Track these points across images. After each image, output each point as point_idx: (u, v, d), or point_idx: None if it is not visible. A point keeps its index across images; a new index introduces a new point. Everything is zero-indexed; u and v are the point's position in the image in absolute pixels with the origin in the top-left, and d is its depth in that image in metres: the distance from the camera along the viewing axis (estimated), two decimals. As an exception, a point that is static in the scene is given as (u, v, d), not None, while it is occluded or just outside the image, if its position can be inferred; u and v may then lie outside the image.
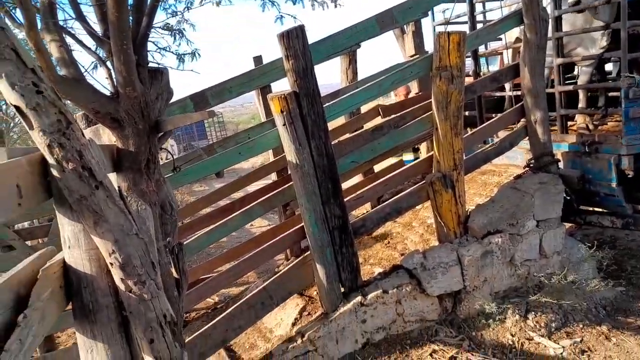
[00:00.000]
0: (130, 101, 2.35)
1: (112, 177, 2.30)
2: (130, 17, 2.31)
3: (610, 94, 5.54)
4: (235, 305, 3.60)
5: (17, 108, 1.47)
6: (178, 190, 12.67)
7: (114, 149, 2.39)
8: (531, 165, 4.66)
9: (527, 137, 4.63)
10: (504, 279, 4.12)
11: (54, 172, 1.50)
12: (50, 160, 1.48)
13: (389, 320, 3.76)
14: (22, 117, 1.48)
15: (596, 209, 4.84)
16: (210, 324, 3.47)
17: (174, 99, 2.92)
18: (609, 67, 6.79)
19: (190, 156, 4.59)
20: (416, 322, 3.84)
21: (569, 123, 5.11)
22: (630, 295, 4.24)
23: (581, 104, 5.05)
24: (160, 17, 2.88)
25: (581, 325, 3.73)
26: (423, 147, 5.55)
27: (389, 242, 4.63)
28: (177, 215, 2.75)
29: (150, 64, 2.64)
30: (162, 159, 2.70)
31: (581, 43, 4.96)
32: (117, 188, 1.61)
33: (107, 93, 2.42)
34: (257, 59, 5.56)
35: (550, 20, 4.57)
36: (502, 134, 4.95)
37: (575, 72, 6.31)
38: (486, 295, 4.01)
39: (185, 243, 3.11)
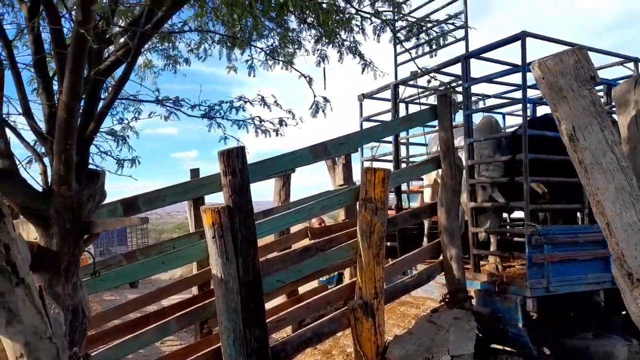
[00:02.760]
0: (63, 200, 2.32)
1: (27, 275, 2.18)
2: (79, 120, 2.38)
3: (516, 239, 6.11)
4: None
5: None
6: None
7: (34, 247, 2.29)
8: (446, 300, 4.88)
9: (443, 273, 4.92)
10: (420, 416, 4.06)
11: (-27, 264, 1.44)
12: (-27, 251, 1.43)
13: None
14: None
15: (506, 348, 5.05)
16: None
17: (104, 202, 2.90)
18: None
19: (109, 261, 4.38)
20: None
21: (481, 263, 5.51)
22: None
23: (492, 246, 5.51)
24: (107, 122, 2.99)
25: None
26: (347, 272, 5.69)
27: (307, 370, 4.49)
28: (88, 324, 2.58)
29: (90, 166, 2.67)
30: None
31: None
32: (37, 287, 1.55)
33: (39, 189, 2.39)
34: (194, 172, 5.70)
35: (464, 168, 5.15)
36: (421, 267, 5.22)
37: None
38: None
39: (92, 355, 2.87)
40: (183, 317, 3.84)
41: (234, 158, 3.62)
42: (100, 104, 2.48)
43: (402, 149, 6.94)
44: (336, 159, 6.76)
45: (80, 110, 2.36)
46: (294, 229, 5.66)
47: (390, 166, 6.40)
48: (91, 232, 2.48)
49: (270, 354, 3.66)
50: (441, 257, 4.93)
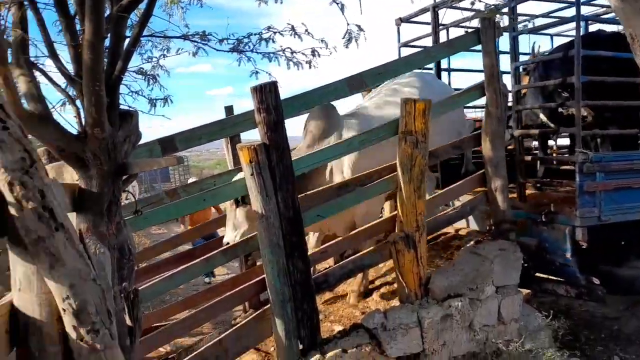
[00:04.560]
0: (98, 142, 2.31)
1: (72, 217, 2.22)
2: (105, 60, 2.32)
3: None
4: (188, 358, 3.45)
5: (-19, 143, 1.43)
6: (135, 233, 12.23)
7: (75, 189, 2.32)
8: (491, 230, 4.79)
9: (488, 203, 4.79)
10: (463, 344, 4.11)
11: (12, 211, 1.44)
12: (10, 198, 1.43)
13: (346, 381, 3.66)
14: (-14, 152, 1.44)
15: (551, 277, 4.97)
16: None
17: (141, 142, 2.90)
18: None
19: (152, 199, 4.49)
20: (374, 385, 3.75)
21: (527, 192, 5.34)
22: (584, 366, 4.30)
23: (539, 174, 5.30)
24: (135, 61, 2.91)
25: (536, 395, 3.73)
26: (387, 205, 5.64)
27: (350, 300, 4.58)
28: (135, 260, 2.66)
29: (122, 107, 2.64)
30: (122, 200, 2.64)
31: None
32: (77, 230, 1.56)
33: (74, 132, 2.39)
34: (229, 109, 5.64)
35: (510, 94, 4.87)
36: (464, 198, 5.10)
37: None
38: (444, 360, 3.98)
39: (140, 289, 2.99)
40: (228, 250, 3.94)
41: (266, 93, 3.52)
42: (126, 42, 2.40)
43: (443, 76, 6.61)
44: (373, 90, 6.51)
45: (106, 50, 2.29)
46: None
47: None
48: (128, 173, 2.49)
49: (314, 284, 3.73)
50: (486, 188, 4.79)
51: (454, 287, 4.15)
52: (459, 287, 4.17)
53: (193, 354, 3.51)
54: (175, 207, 3.73)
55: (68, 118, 2.48)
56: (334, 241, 4.16)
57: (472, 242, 4.81)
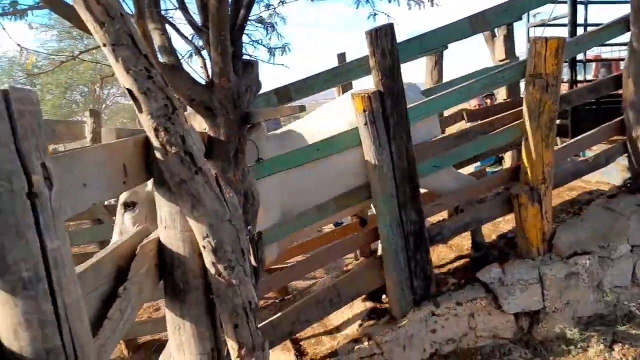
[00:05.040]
0: (224, 91, 2.41)
1: (203, 163, 2.37)
2: (229, 9, 2.37)
3: None
4: (304, 299, 3.62)
5: (129, 91, 1.54)
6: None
7: (204, 137, 2.46)
8: (628, 184, 4.30)
9: (626, 154, 4.28)
10: (589, 304, 3.83)
11: (158, 155, 1.56)
12: (155, 143, 1.54)
13: (460, 333, 3.62)
14: (133, 100, 1.55)
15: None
16: (280, 314, 3.52)
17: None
18: None
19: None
20: (488, 338, 3.67)
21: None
22: None
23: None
24: (254, 10, 2.94)
25: (675, 364, 3.39)
26: (507, 156, 5.30)
27: (464, 253, 4.46)
28: (258, 205, 2.79)
29: (243, 56, 2.71)
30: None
31: None
32: (213, 175, 1.65)
33: (202, 82, 2.51)
34: (341, 56, 5.58)
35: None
36: (598, 148, 4.60)
37: None
38: (567, 319, 3.74)
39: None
40: (340, 198, 3.99)
41: (382, 37, 3.39)
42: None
43: (579, 9, 5.86)
44: (496, 30, 5.99)
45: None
46: (446, 112, 5.35)
47: (564, 33, 5.50)
48: (252, 121, 2.58)
49: (427, 236, 3.66)
50: (624, 137, 4.26)
51: (582, 244, 3.83)
52: (587, 244, 3.84)
53: (308, 297, 3.68)
54: (291, 157, 3.82)
55: (195, 69, 2.60)
56: (449, 193, 4.01)
57: (604, 197, 4.37)
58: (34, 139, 0.94)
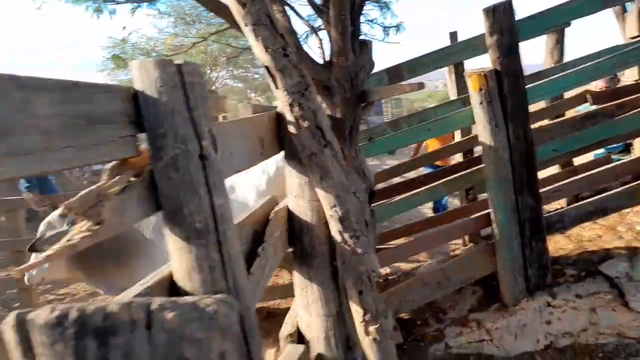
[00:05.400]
0: (342, 70, 2.47)
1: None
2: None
3: None
4: (411, 280, 3.64)
5: (267, 68, 1.65)
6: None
7: (323, 115, 2.55)
8: None
9: None
10: None
11: (291, 129, 1.66)
12: (290, 117, 1.64)
13: (579, 327, 3.40)
14: (270, 77, 1.66)
15: None
16: (387, 291, 3.56)
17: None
18: None
19: (375, 130, 4.69)
20: (612, 336, 3.41)
21: None
22: None
23: None
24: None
25: None
26: (637, 142, 4.81)
27: (585, 244, 4.15)
28: (368, 183, 2.85)
29: (360, 36, 2.75)
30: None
31: None
32: (340, 149, 1.73)
33: (320, 62, 2.59)
34: (453, 35, 5.40)
35: None
36: None
37: None
38: None
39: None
40: (450, 182, 3.91)
41: (500, 14, 3.25)
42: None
43: None
44: (627, 4, 5.42)
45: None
46: (567, 93, 4.97)
47: None
48: (368, 100, 2.62)
49: (545, 223, 3.48)
50: None
51: None
52: None
53: (415, 277, 3.69)
54: (402, 137, 3.82)
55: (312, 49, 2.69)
56: (570, 179, 3.75)
57: None
58: (202, 107, 1.06)
